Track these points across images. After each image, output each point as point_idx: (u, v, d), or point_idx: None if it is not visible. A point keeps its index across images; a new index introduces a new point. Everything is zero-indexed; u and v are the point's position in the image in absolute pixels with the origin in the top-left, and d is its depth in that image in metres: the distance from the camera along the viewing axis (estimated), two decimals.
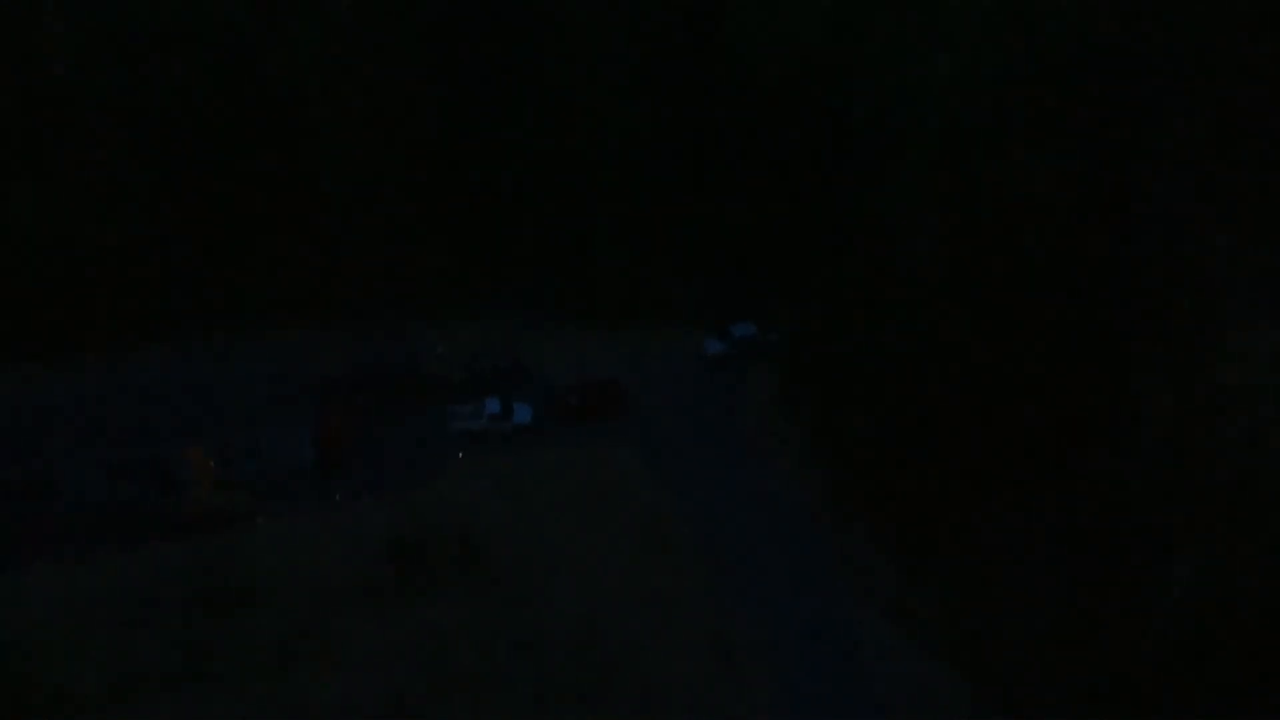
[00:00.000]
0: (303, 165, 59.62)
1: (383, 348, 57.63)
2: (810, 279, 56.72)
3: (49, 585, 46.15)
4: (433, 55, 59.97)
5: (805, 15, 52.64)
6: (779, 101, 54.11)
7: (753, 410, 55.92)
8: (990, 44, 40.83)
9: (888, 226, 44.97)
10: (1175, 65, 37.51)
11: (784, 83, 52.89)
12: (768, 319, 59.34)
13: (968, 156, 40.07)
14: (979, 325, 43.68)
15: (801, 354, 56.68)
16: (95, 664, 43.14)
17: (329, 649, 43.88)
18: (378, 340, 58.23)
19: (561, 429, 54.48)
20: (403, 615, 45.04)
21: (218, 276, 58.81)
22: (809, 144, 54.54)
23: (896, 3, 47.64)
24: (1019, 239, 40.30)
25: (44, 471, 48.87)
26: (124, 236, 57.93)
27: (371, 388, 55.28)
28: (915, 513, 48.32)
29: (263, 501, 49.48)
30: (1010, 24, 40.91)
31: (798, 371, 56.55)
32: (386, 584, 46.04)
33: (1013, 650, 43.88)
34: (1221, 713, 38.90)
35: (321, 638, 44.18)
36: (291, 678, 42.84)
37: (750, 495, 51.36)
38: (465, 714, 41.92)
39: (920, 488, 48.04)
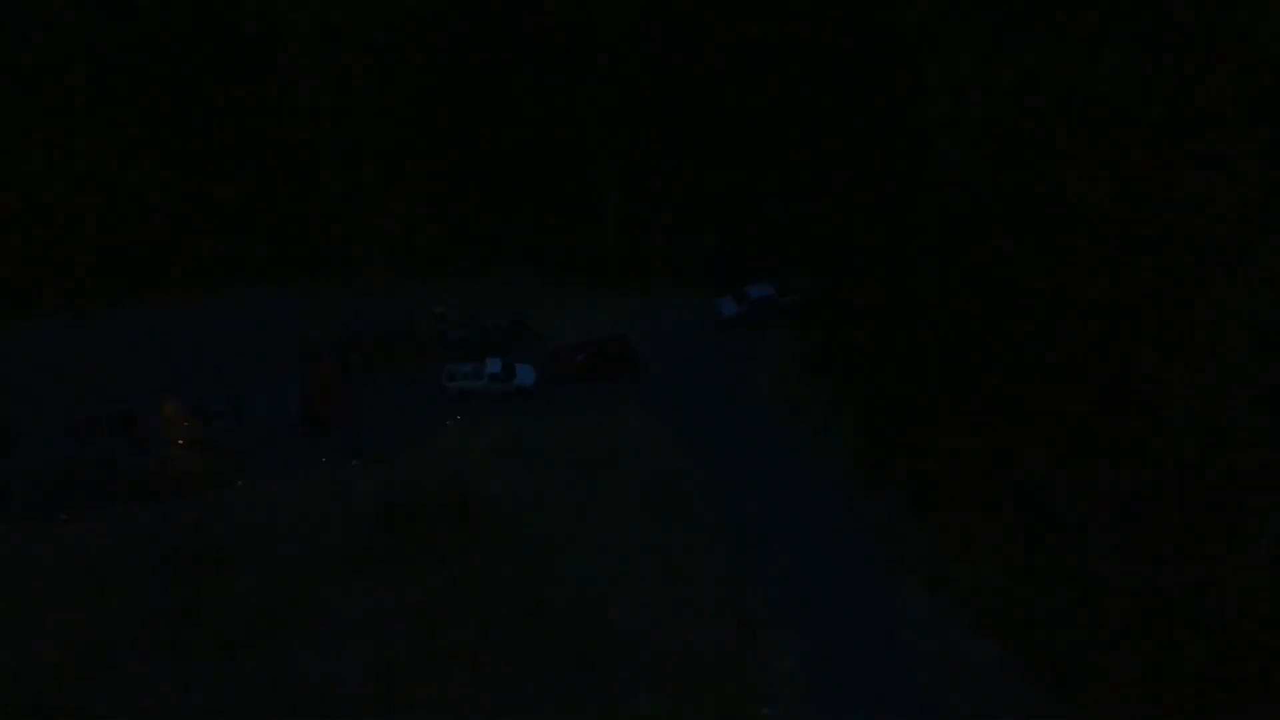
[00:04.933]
0: (292, 113, 56.47)
1: (378, 305, 54.44)
2: (834, 230, 53.04)
3: (9, 550, 42.75)
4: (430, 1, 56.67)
5: None
6: (799, 31, 50.07)
7: (771, 373, 52.72)
8: None
9: (923, 158, 41.01)
10: None
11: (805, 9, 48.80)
12: (785, 279, 56.17)
13: (1016, 62, 35.74)
14: (1026, 264, 39.64)
15: (825, 309, 53.03)
16: (60, 636, 39.77)
17: (314, 619, 40.52)
18: (373, 297, 55.14)
19: (567, 390, 51.15)
20: (394, 583, 41.73)
21: (204, 229, 55.65)
22: (831, 78, 50.49)
23: None
24: (1075, 159, 36.13)
25: (4, 427, 44.94)
26: (102, 187, 54.96)
27: (364, 345, 51.94)
28: (953, 476, 44.52)
29: (243, 462, 46.14)
30: None
31: (821, 329, 52.94)
32: (377, 550, 42.71)
33: (1066, 624, 40.10)
34: None
35: (306, 607, 40.87)
36: (273, 650, 39.49)
37: (771, 459, 48.03)
38: (462, 688, 38.29)
39: (959, 449, 44.22)
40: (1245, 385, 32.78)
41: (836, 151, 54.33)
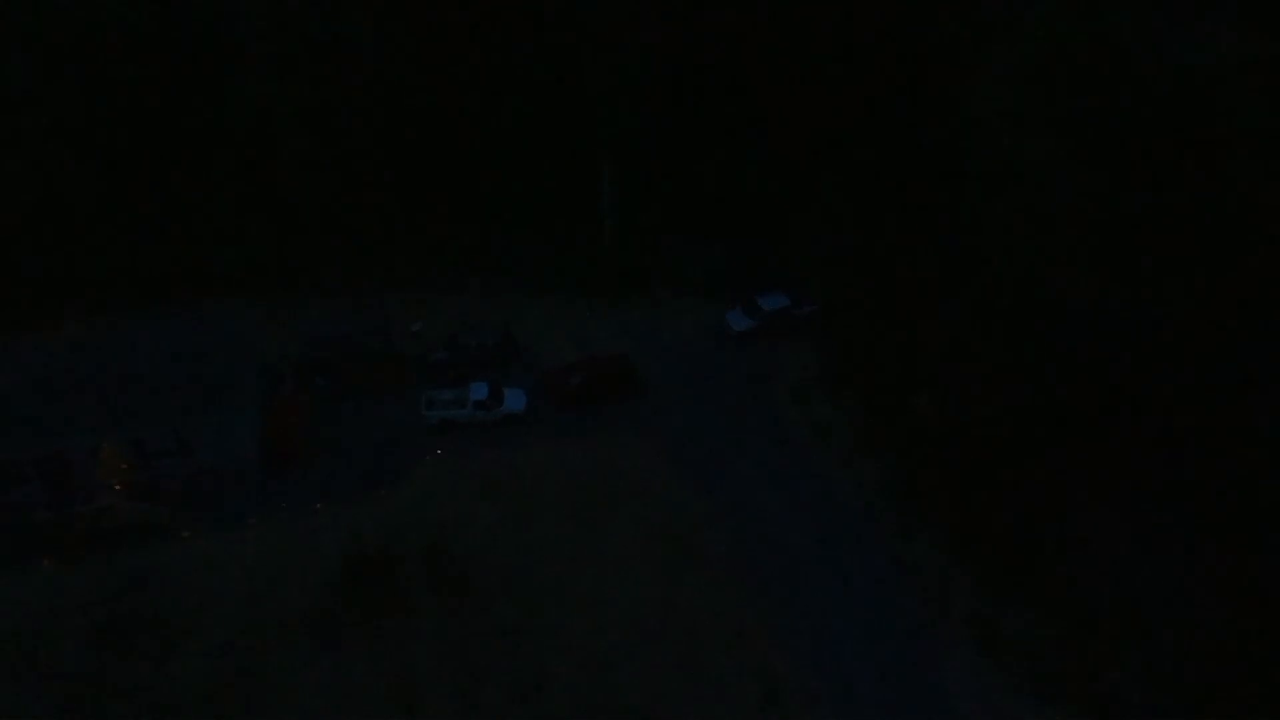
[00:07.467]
0: (253, 111, 51.72)
1: (348, 323, 49.55)
2: (856, 233, 47.88)
3: None
4: None
5: None
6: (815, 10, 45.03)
7: (788, 395, 47.81)
8: None
9: (972, 152, 35.75)
10: None
11: None
12: (801, 288, 51.46)
13: (1100, 41, 30.37)
14: (1086, 273, 34.47)
15: (849, 326, 47.89)
16: None
17: (270, 696, 35.30)
18: (343, 314, 50.19)
19: (561, 417, 46.26)
20: (363, 652, 36.58)
21: (149, 237, 50.53)
22: (858, 57, 45.16)
23: None
24: (1159, 153, 30.79)
25: None
26: (32, 192, 49.59)
27: (332, 369, 46.93)
28: (1001, 514, 39.37)
29: (191, 510, 41.06)
30: None
31: (844, 347, 47.83)
32: (343, 612, 37.61)
33: (1137, 686, 35.02)
34: None
35: (261, 682, 35.67)
36: None
37: (793, 495, 43.03)
38: None
39: (1006, 484, 39.05)
40: None
41: (859, 144, 49.34)
